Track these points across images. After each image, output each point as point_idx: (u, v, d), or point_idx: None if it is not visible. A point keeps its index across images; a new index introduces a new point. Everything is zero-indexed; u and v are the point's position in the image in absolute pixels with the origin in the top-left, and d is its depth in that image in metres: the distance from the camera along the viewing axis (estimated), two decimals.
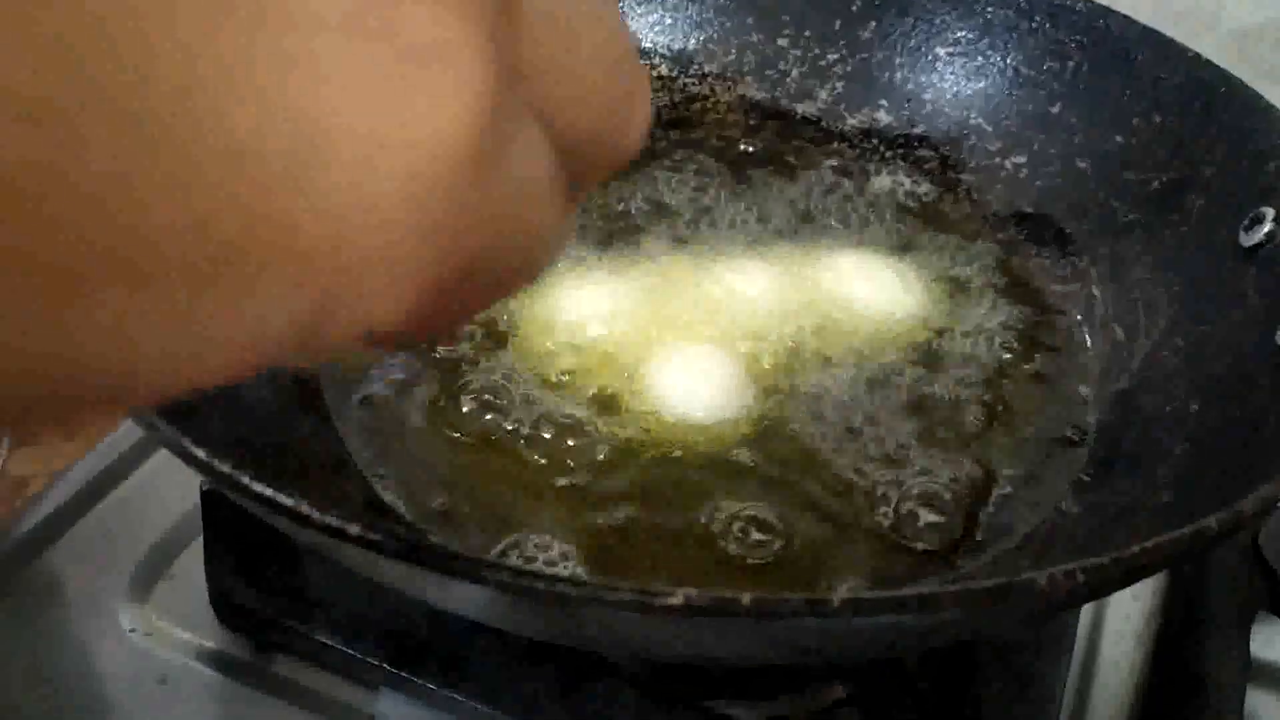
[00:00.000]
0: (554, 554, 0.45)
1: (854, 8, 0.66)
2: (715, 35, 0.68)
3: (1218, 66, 0.55)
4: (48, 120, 0.13)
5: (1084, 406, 0.53)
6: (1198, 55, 0.56)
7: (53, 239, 0.14)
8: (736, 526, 0.47)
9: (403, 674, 0.50)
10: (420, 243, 0.16)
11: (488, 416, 0.51)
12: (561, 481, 0.48)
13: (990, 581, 0.30)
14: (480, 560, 0.30)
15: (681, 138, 0.68)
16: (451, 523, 0.47)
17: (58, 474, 0.60)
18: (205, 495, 0.53)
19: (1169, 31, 0.58)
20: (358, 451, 0.50)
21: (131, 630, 0.53)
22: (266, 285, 0.15)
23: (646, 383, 0.53)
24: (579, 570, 0.45)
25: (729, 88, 0.68)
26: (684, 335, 0.55)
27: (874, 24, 0.66)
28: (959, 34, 0.64)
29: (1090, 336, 0.56)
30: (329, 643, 0.51)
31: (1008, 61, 0.63)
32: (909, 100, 0.66)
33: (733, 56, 0.68)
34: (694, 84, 0.69)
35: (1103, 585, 0.31)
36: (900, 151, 0.66)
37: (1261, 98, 0.53)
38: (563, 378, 0.53)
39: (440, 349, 0.54)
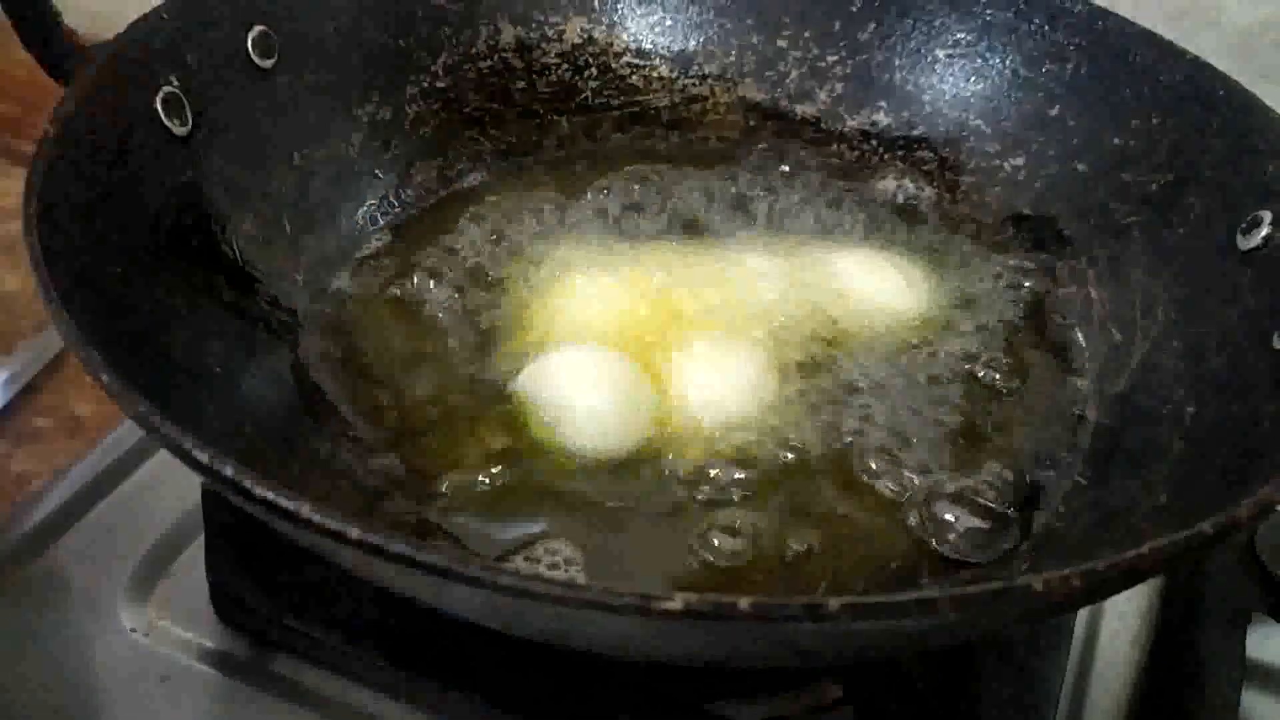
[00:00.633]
0: (559, 558, 0.46)
1: (853, 9, 0.66)
2: (715, 36, 0.68)
3: (1216, 68, 0.55)
4: None
5: (1082, 407, 0.53)
6: (1196, 57, 0.56)
7: None
8: (731, 527, 0.47)
9: (403, 673, 0.50)
10: None
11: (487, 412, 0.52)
12: (568, 484, 0.49)
13: (987, 585, 0.30)
14: (479, 565, 0.30)
15: (681, 139, 0.68)
16: (454, 519, 0.47)
17: (59, 472, 0.60)
18: (206, 494, 0.53)
19: (1169, 30, 0.59)
20: (355, 447, 0.50)
21: (132, 629, 0.54)
22: None
23: (652, 382, 0.53)
24: (578, 574, 0.45)
25: (729, 89, 0.68)
26: (687, 336, 0.55)
27: (873, 25, 0.66)
28: (958, 36, 0.64)
29: (1088, 337, 0.56)
30: (329, 642, 0.51)
31: (1007, 63, 0.63)
32: (908, 102, 0.66)
33: (733, 58, 0.68)
34: (694, 85, 0.69)
35: (1099, 589, 0.31)
36: (899, 153, 0.66)
37: (1260, 100, 0.53)
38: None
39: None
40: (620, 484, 0.49)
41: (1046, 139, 0.61)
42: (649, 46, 0.68)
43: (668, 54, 0.69)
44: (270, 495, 0.32)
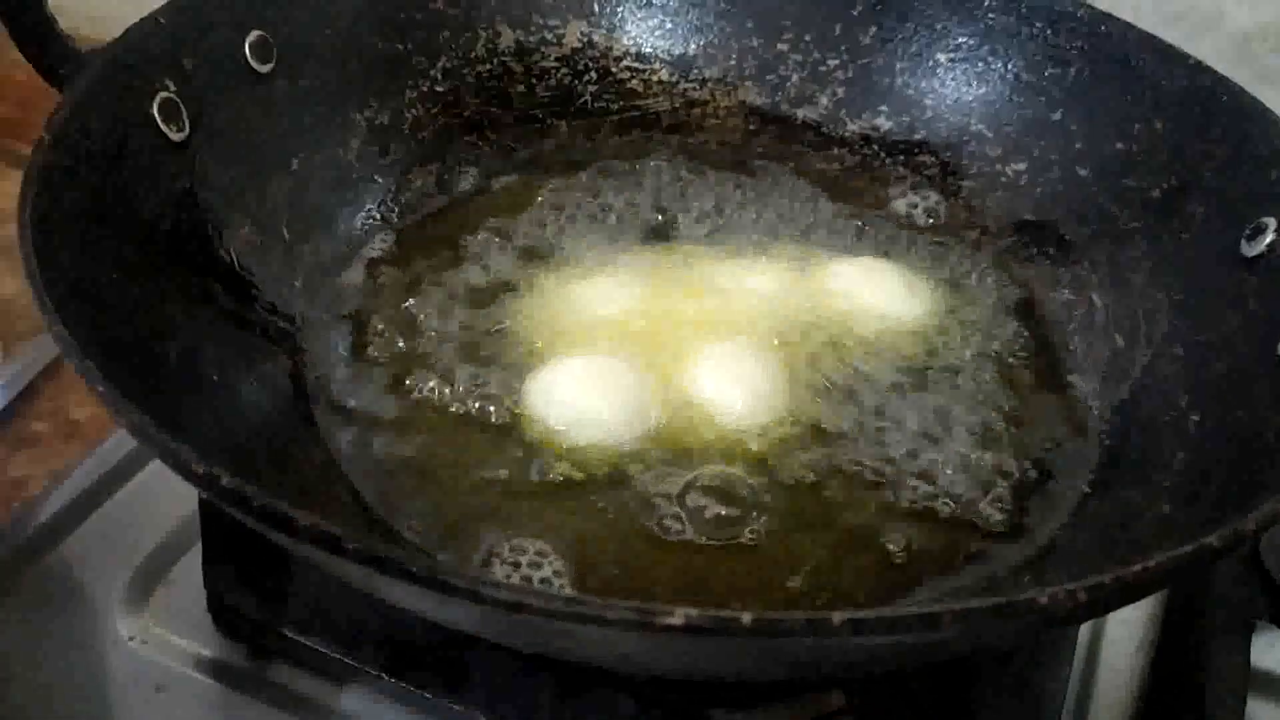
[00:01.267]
0: (548, 571, 0.45)
1: (854, 13, 0.66)
2: (715, 40, 0.68)
3: (1219, 73, 0.55)
4: None
5: (1084, 415, 0.53)
6: (1199, 62, 0.56)
7: None
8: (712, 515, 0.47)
9: (400, 681, 0.50)
10: None
11: (474, 410, 0.51)
12: (563, 493, 0.48)
13: (990, 600, 0.29)
14: (477, 578, 0.30)
15: (682, 142, 0.68)
16: (433, 526, 0.47)
17: (55, 477, 0.60)
18: (203, 502, 0.53)
19: (1169, 33, 0.58)
20: (348, 459, 0.50)
21: (129, 637, 0.53)
22: None
23: (656, 384, 0.52)
24: (562, 578, 0.45)
25: (729, 93, 0.68)
26: (689, 340, 0.55)
27: (874, 29, 0.66)
28: (960, 40, 0.64)
29: (1091, 344, 0.56)
30: (326, 651, 0.51)
31: (1008, 67, 0.63)
32: (909, 106, 0.65)
33: (733, 62, 0.68)
34: (694, 89, 0.68)
35: (1104, 603, 0.31)
36: (901, 158, 0.66)
37: (1263, 105, 0.52)
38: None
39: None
40: (615, 493, 0.48)
41: (1048, 144, 0.61)
42: (649, 50, 0.68)
43: (668, 58, 0.68)
44: (268, 505, 0.32)
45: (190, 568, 0.55)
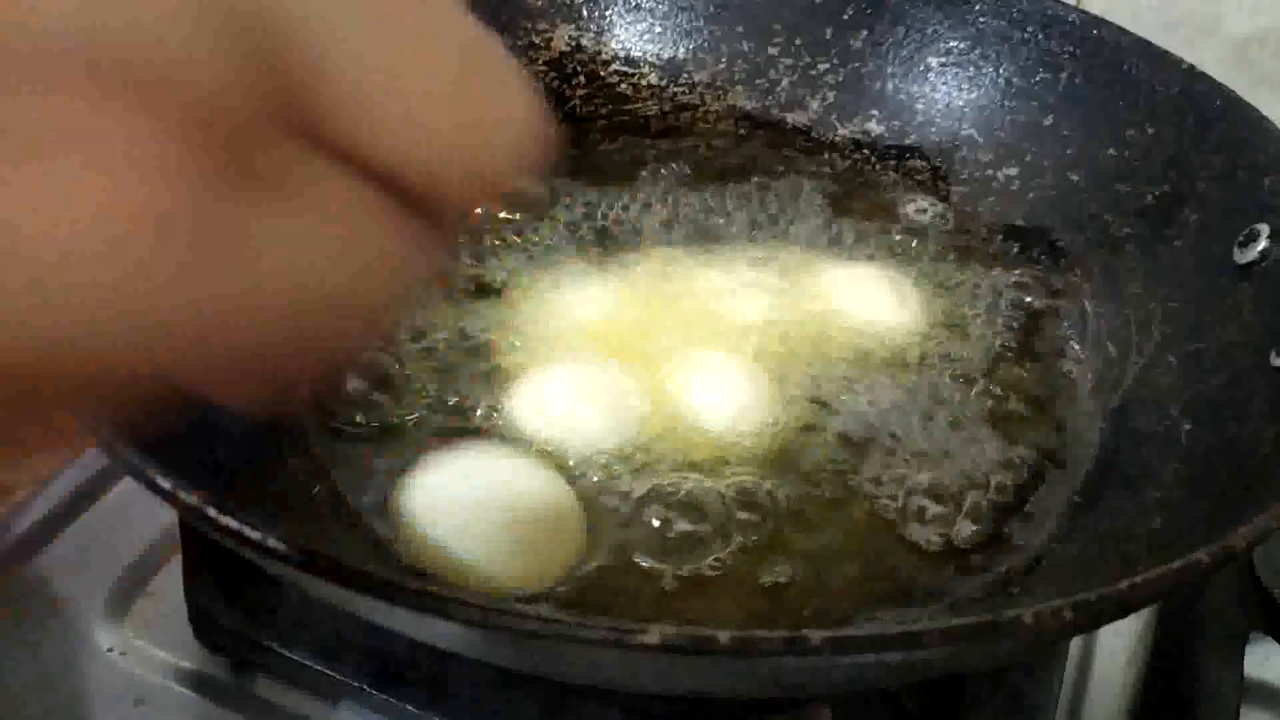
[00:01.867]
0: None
1: (845, 16, 0.65)
2: (705, 44, 0.67)
3: (1213, 79, 0.55)
4: None
5: (1076, 424, 0.52)
6: (1192, 67, 0.55)
7: None
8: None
9: (384, 696, 0.49)
10: (103, 330, 0.17)
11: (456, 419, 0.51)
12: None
13: (976, 619, 0.29)
14: (452, 596, 0.29)
15: (671, 147, 0.67)
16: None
17: (34, 488, 0.59)
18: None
19: (1167, 39, 0.58)
20: (337, 474, 0.49)
21: (109, 649, 0.53)
22: None
23: (648, 392, 0.52)
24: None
25: (719, 97, 0.67)
26: (677, 348, 0.54)
27: (865, 33, 0.65)
28: (951, 44, 0.63)
29: (1083, 352, 0.55)
30: (309, 664, 0.50)
31: (1000, 72, 0.62)
32: (900, 110, 0.65)
33: (723, 65, 0.67)
34: (684, 93, 0.68)
35: (1092, 621, 0.30)
36: (892, 162, 0.65)
37: (1257, 112, 0.52)
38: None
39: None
40: (596, 504, 0.47)
41: (1040, 149, 0.61)
42: (638, 54, 0.68)
43: (657, 62, 0.68)
44: (235, 525, 0.31)
45: (172, 579, 0.54)
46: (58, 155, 0.16)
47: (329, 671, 0.50)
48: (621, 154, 0.67)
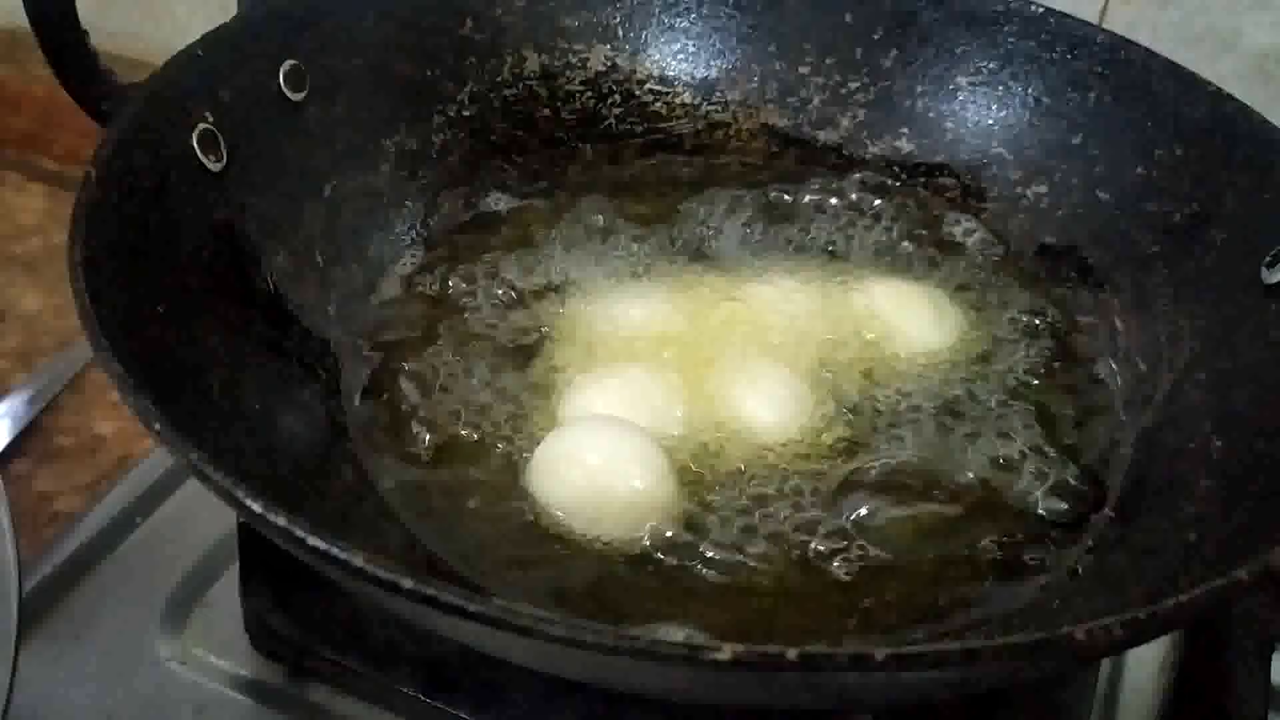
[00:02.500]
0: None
1: (875, 37, 0.67)
2: (738, 63, 0.69)
3: (1239, 101, 0.56)
4: None
5: (1109, 439, 0.53)
6: (1219, 89, 0.56)
7: None
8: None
9: (437, 703, 0.51)
10: None
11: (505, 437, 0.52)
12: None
13: (1030, 636, 0.30)
14: (531, 615, 0.31)
15: (704, 165, 0.68)
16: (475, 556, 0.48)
17: (83, 493, 0.61)
18: (241, 524, 0.54)
19: (1188, 54, 0.59)
20: (385, 486, 0.51)
21: (168, 659, 0.54)
22: None
23: (687, 405, 0.53)
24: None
25: (751, 115, 0.69)
26: (718, 359, 0.56)
27: (895, 52, 0.66)
28: (980, 64, 0.65)
29: (1114, 369, 0.56)
30: (363, 671, 0.52)
31: (1029, 92, 0.64)
32: (930, 129, 0.66)
33: (755, 84, 0.69)
34: (716, 111, 0.69)
35: (1139, 637, 0.31)
36: (921, 180, 0.66)
37: None
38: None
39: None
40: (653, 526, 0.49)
41: (1069, 168, 0.62)
42: (672, 74, 0.69)
43: (690, 81, 0.69)
44: (322, 545, 0.33)
45: (228, 588, 0.55)
46: None
47: (382, 678, 0.51)
48: (655, 172, 0.68)
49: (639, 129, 0.69)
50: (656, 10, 0.69)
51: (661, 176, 0.68)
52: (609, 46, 0.68)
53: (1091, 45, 0.61)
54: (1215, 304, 0.53)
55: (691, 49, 0.69)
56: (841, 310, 0.59)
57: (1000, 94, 0.64)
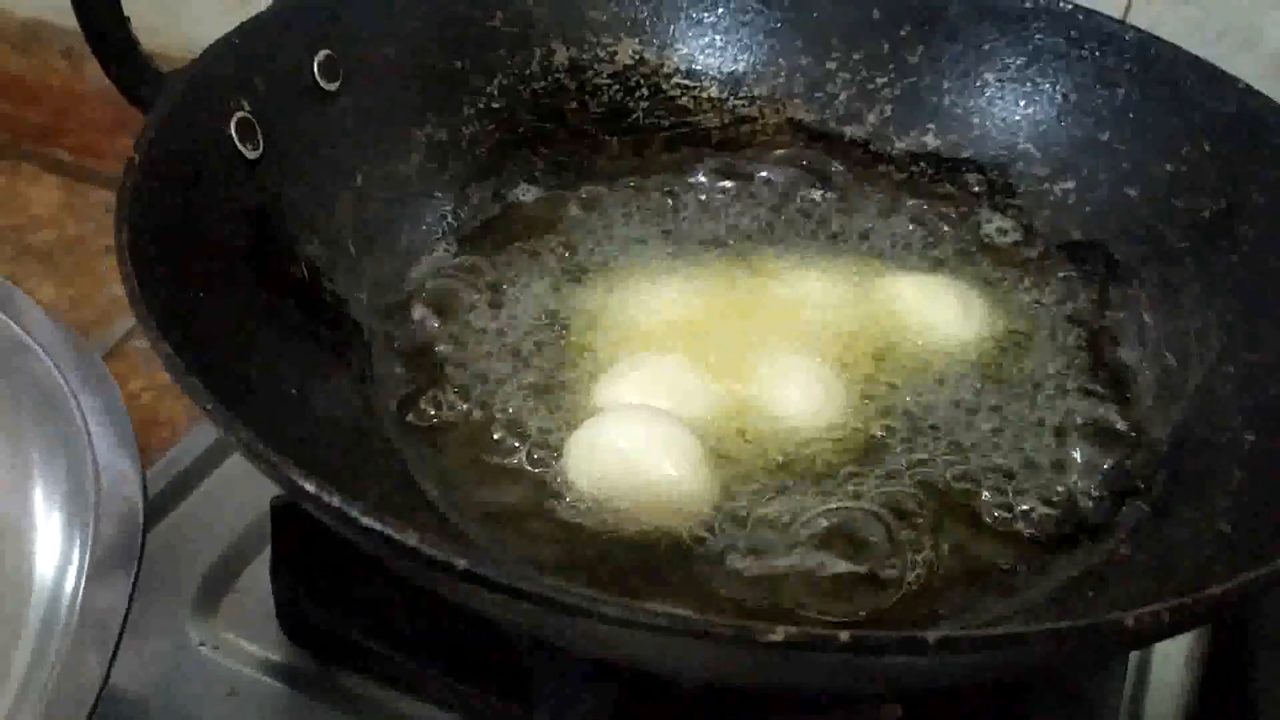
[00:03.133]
0: None
1: (902, 32, 0.67)
2: (765, 58, 0.69)
3: (1267, 97, 0.56)
4: None
5: (1141, 432, 0.53)
6: (1248, 85, 0.57)
7: None
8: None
9: (467, 688, 0.51)
10: None
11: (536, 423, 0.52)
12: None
13: (1078, 622, 0.31)
14: (584, 594, 0.31)
15: (731, 159, 0.69)
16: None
17: None
18: (273, 510, 0.54)
19: (1209, 51, 0.59)
20: (420, 470, 0.51)
21: (200, 643, 0.55)
22: None
23: (725, 397, 0.54)
24: None
25: (778, 110, 0.69)
26: (747, 354, 0.56)
27: (922, 48, 0.67)
28: (1008, 60, 0.65)
29: (1144, 364, 0.56)
30: (392, 656, 0.52)
31: (1056, 88, 0.64)
32: (957, 125, 0.66)
33: (782, 79, 0.69)
34: (743, 106, 0.69)
35: (1184, 624, 0.32)
36: (948, 175, 0.67)
37: None
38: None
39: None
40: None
41: (1096, 164, 0.62)
42: (699, 68, 0.69)
43: (718, 75, 0.69)
44: (377, 525, 0.33)
45: (259, 574, 0.56)
46: None
47: (412, 664, 0.52)
48: (682, 165, 0.69)
49: (666, 123, 0.69)
50: (684, 4, 0.69)
51: (687, 170, 0.68)
52: (637, 40, 0.69)
53: (1120, 42, 0.61)
54: (1244, 298, 0.53)
55: (719, 43, 0.69)
56: (870, 304, 0.59)
57: (1028, 90, 0.65)
